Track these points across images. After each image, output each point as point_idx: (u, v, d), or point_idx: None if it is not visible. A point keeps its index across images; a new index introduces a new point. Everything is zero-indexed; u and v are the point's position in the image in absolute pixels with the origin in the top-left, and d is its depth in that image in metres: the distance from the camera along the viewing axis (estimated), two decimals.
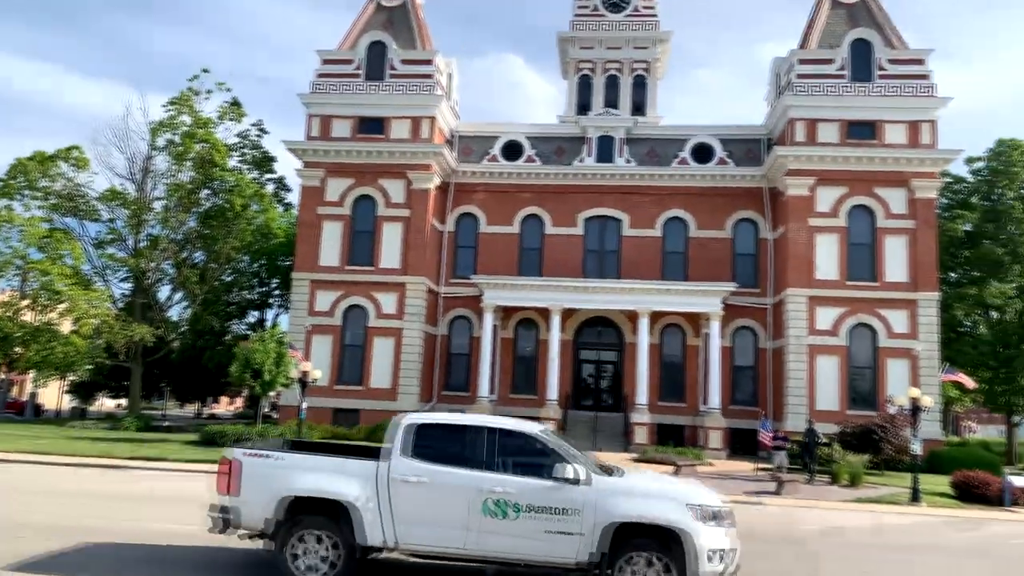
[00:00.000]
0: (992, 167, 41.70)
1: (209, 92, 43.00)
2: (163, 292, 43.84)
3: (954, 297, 40.12)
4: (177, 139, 40.65)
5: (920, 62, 35.77)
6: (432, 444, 9.66)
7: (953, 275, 42.58)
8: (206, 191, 42.27)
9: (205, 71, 45.33)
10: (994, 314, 41.98)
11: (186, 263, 42.10)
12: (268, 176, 48.19)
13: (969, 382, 27.52)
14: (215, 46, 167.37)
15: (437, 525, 9.30)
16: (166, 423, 42.99)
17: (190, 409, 74.26)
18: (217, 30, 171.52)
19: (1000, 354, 40.37)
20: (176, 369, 53.07)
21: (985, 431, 73.10)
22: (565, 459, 9.30)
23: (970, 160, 42.74)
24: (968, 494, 23.13)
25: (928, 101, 34.91)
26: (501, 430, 9.77)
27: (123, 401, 60.65)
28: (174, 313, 45.94)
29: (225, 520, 9.62)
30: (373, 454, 10.12)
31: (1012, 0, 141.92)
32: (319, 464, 9.89)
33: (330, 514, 9.48)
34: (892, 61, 35.79)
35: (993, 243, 40.27)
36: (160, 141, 41.16)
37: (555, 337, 35.57)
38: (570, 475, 9.14)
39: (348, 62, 38.66)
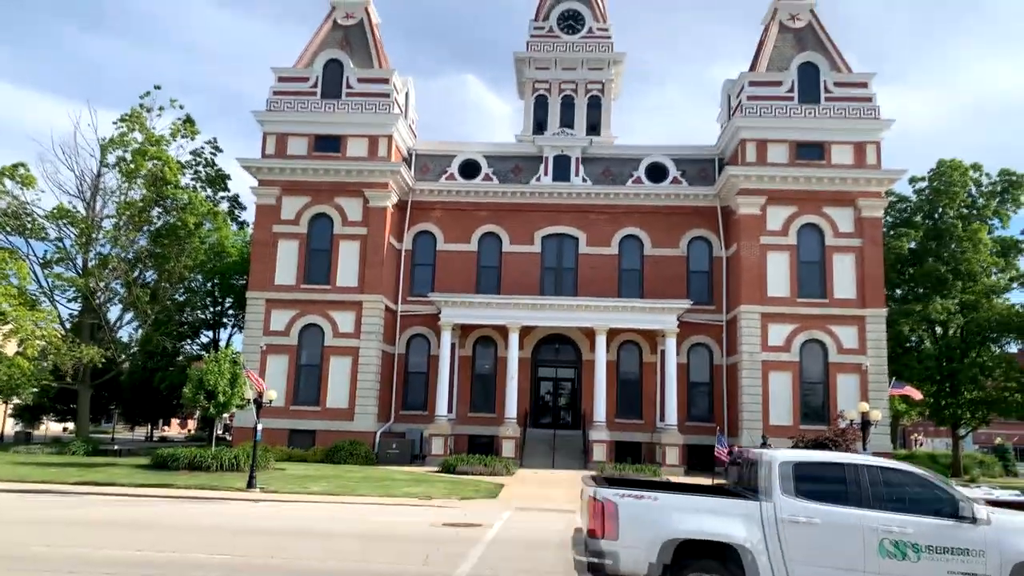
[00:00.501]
0: (934, 187, 43.12)
1: (161, 109, 42.43)
2: (113, 312, 42.86)
3: (900, 313, 41.24)
4: (128, 156, 39.93)
5: (864, 85, 36.97)
6: (812, 482, 9.33)
7: (899, 291, 43.81)
8: (158, 209, 41.53)
9: (157, 87, 44.85)
10: (938, 329, 43.27)
11: (137, 282, 41.22)
12: (222, 194, 47.61)
13: (916, 394, 28.30)
14: (169, 62, 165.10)
15: (830, 567, 8.96)
16: (116, 447, 41.88)
17: (141, 432, 72.44)
18: (172, 46, 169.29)
19: (944, 368, 41.59)
20: (126, 391, 51.83)
21: (932, 444, 75.03)
22: (959, 497, 9.15)
23: (913, 180, 44.18)
24: None
25: (873, 123, 36.06)
26: (881, 467, 9.59)
27: (70, 425, 58.97)
28: (124, 334, 44.92)
29: (599, 564, 9.08)
30: (712, 492, 9.94)
31: (954, 27, 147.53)
32: (697, 504, 9.52)
33: (717, 557, 9.08)
34: (838, 84, 36.94)
35: (936, 261, 41.56)
36: (110, 158, 40.40)
37: (513, 355, 35.64)
38: (975, 514, 8.97)
39: (304, 80, 38.54)
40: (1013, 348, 46.06)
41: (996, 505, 23.05)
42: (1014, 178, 42.73)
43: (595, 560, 9.12)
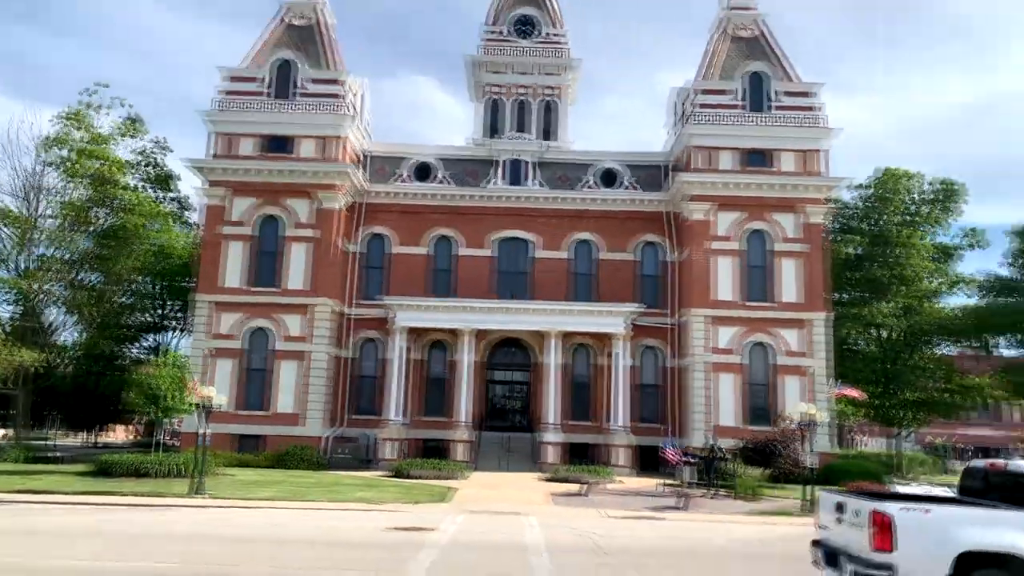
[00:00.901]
0: (876, 194, 44.30)
1: (108, 108, 41.35)
2: (54, 315, 41.59)
3: (844, 317, 42.22)
4: (71, 156, 38.82)
5: (810, 94, 37.90)
6: None
7: (842, 296, 44.88)
8: (102, 210, 40.46)
9: (104, 85, 43.58)
10: (881, 333, 44.47)
11: (80, 285, 40.09)
12: (169, 195, 46.59)
13: (858, 393, 29.08)
14: (117, 62, 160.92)
15: None
16: (56, 453, 40.58)
17: (83, 438, 70.30)
18: (119, 46, 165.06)
19: (886, 370, 42.77)
20: (67, 396, 50.31)
21: (874, 444, 76.99)
22: None
23: (856, 187, 45.34)
24: None
25: (818, 131, 36.99)
26: None
27: (6, 431, 57.02)
28: (67, 337, 43.64)
29: None
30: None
31: (900, 40, 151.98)
32: (976, 517, 9.58)
33: (998, 566, 9.08)
34: (785, 93, 37.81)
35: (878, 266, 42.71)
36: (51, 157, 39.23)
37: (466, 358, 35.60)
38: None
39: (254, 80, 38.00)
40: (950, 350, 47.62)
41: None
42: (953, 187, 44.16)
43: (878, 573, 9.27)
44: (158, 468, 26.64)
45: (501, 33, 44.91)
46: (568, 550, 15.43)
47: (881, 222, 44.30)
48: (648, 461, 35.29)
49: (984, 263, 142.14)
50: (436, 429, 36.97)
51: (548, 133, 43.41)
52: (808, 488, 23.74)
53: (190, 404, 28.46)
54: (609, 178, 39.83)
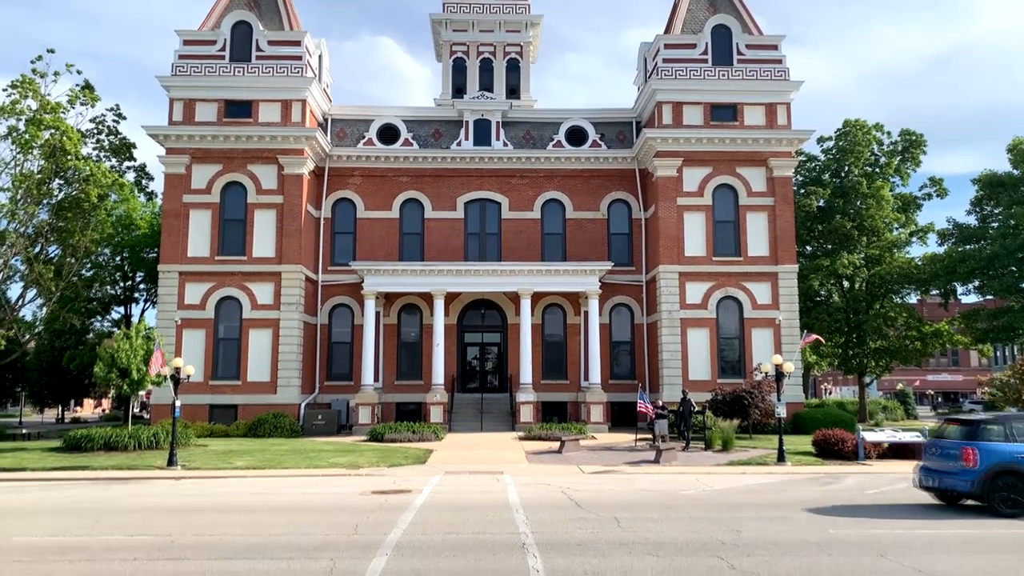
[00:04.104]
0: (840, 146, 44.71)
1: (57, 74, 39.76)
2: (14, 291, 40.62)
3: (810, 269, 42.92)
4: (21, 126, 37.52)
5: (774, 47, 37.83)
6: None
7: (809, 248, 45.53)
8: (58, 181, 39.30)
9: (51, 51, 41.95)
10: (846, 283, 45.27)
11: (39, 258, 39.09)
12: (128, 164, 45.32)
13: (819, 339, 29.41)
14: (68, 31, 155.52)
15: None
16: (23, 430, 40.05)
17: (51, 415, 69.41)
18: (71, 14, 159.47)
19: (852, 320, 43.62)
20: (33, 372, 49.56)
21: (840, 392, 78.86)
22: None
23: (820, 140, 45.71)
24: (827, 451, 24.94)
25: (782, 84, 37.01)
26: None
27: None
28: (27, 312, 42.70)
29: None
30: None
31: None
32: None
33: None
34: (749, 46, 37.69)
35: (843, 217, 43.28)
36: (1, 128, 37.87)
37: (439, 321, 35.55)
38: None
39: (211, 43, 36.95)
40: (913, 299, 48.69)
41: (900, 446, 24.30)
42: (913, 138, 44.70)
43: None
44: (130, 441, 26.39)
45: None
46: (546, 506, 15.61)
47: (843, 174, 44.82)
48: (622, 417, 35.78)
49: (945, 212, 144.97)
50: (411, 393, 37.06)
51: (513, 92, 42.98)
52: (780, 438, 24.24)
53: (159, 376, 28.14)
54: (577, 136, 39.60)
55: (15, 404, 66.23)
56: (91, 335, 44.06)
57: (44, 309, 41.91)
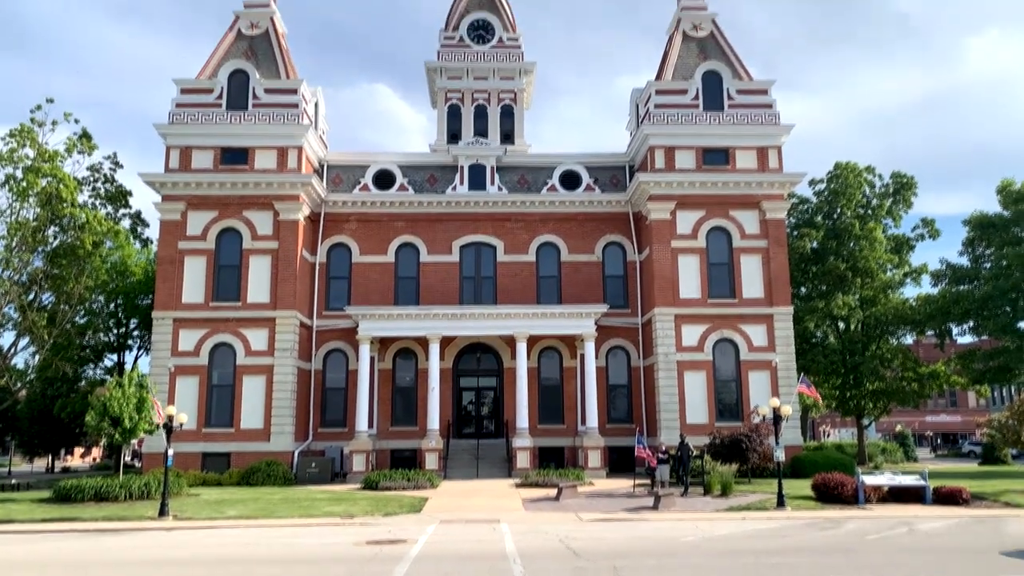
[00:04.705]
0: (832, 188, 45.11)
1: (55, 123, 40.07)
2: (7, 338, 40.40)
3: (806, 310, 42.95)
4: (19, 174, 37.68)
5: (764, 92, 38.42)
6: None
7: (804, 289, 45.62)
8: (54, 228, 39.33)
9: (50, 101, 42.31)
10: (841, 325, 45.28)
11: (33, 306, 38.94)
12: (123, 211, 45.44)
13: (816, 395, 28.81)
14: (66, 80, 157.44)
15: None
16: (12, 480, 39.39)
17: (41, 464, 68.41)
18: (68, 63, 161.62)
19: (848, 361, 43.53)
20: (23, 421, 48.93)
21: (839, 434, 78.37)
22: None
23: (813, 182, 46.13)
24: (827, 495, 24.63)
25: (773, 128, 37.48)
26: None
27: None
28: (20, 360, 42.30)
29: None
30: None
31: (852, 38, 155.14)
32: None
33: None
34: (740, 91, 38.26)
35: (837, 259, 43.46)
36: None
37: (434, 366, 35.36)
38: None
39: (208, 91, 37.37)
40: (909, 340, 48.66)
41: (900, 489, 24.04)
42: (904, 180, 45.15)
43: None
44: (121, 491, 25.89)
45: (458, 39, 44.98)
46: (544, 556, 15.34)
47: (836, 216, 45.14)
48: (620, 462, 35.40)
49: (937, 253, 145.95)
50: (406, 439, 36.67)
51: (507, 137, 43.54)
52: (779, 482, 23.96)
53: (151, 425, 27.80)
54: (571, 180, 39.91)
55: (4, 453, 65.33)
56: (83, 383, 43.64)
57: (37, 357, 41.56)
